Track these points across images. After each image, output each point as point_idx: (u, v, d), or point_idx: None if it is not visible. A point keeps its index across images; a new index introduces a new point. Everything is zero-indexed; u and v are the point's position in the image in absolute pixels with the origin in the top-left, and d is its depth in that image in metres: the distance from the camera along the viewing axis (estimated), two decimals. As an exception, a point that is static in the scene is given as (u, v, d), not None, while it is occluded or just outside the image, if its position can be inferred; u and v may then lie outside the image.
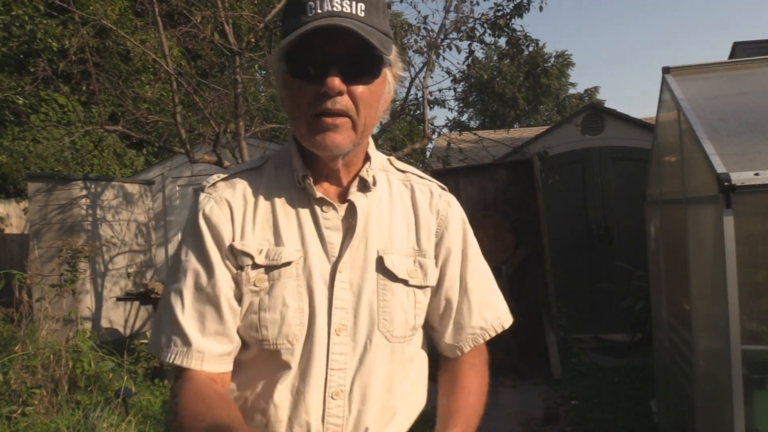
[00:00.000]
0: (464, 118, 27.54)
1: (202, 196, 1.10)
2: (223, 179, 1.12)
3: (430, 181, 1.26)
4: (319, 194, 1.11)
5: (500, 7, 6.19)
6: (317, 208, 1.11)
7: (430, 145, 9.85)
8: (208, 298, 1.04)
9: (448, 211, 1.22)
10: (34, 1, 9.47)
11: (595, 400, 5.40)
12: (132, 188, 9.43)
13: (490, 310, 1.23)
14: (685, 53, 55.27)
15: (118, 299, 8.48)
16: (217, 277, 1.05)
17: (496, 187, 7.21)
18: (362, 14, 1.02)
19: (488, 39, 6.37)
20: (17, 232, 10.35)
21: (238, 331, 1.07)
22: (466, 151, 7.46)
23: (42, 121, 9.80)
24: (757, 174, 2.49)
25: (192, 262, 1.06)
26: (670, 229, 3.91)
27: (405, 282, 1.13)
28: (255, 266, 1.06)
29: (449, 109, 28.85)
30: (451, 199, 1.25)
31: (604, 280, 7.59)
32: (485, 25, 6.24)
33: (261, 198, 1.11)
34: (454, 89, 8.53)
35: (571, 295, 7.33)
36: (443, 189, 1.26)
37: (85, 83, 6.00)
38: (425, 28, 6.12)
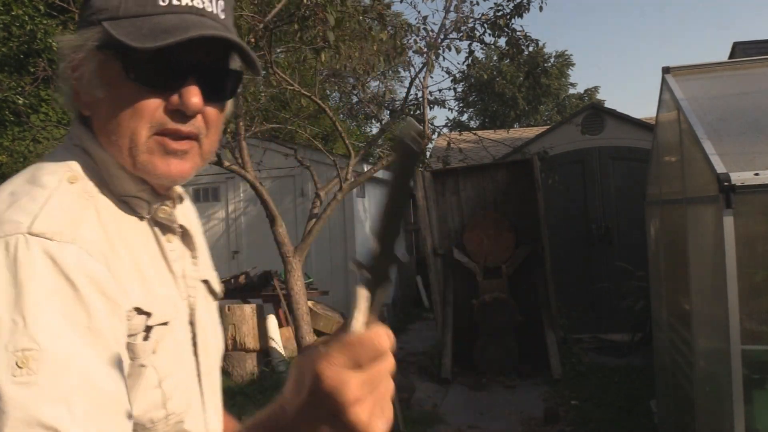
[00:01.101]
0: (464, 118, 27.57)
1: (53, 246, 0.71)
2: (62, 215, 0.75)
3: None
4: (176, 224, 0.90)
5: (500, 7, 6.19)
6: (162, 239, 0.89)
7: (430, 145, 9.85)
8: (110, 401, 0.69)
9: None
10: (34, 1, 9.47)
11: (595, 400, 5.40)
12: (132, 188, 9.41)
13: None
14: (685, 53, 55.33)
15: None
16: (120, 367, 0.73)
17: (496, 187, 7.21)
18: (223, 15, 0.83)
19: (488, 39, 6.37)
20: (17, 232, 10.34)
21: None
22: (466, 151, 7.46)
23: (42, 121, 9.79)
24: (757, 174, 2.49)
25: (76, 357, 0.68)
26: (670, 229, 3.91)
27: (218, 298, 1.02)
28: (147, 327, 0.79)
29: (449, 109, 28.86)
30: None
31: (604, 280, 7.59)
32: (485, 25, 6.24)
33: (111, 235, 0.80)
34: (454, 89, 8.55)
35: (571, 295, 7.33)
36: None
37: (85, 83, 6.00)
38: (425, 29, 6.13)
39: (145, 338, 0.79)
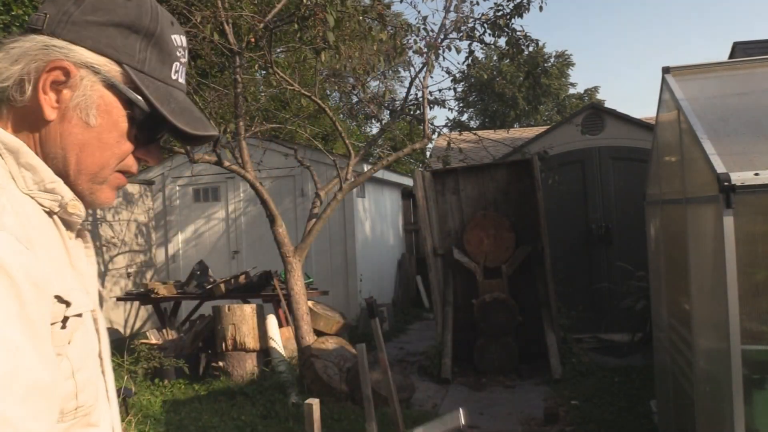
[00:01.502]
0: (464, 118, 27.56)
1: None
2: None
3: None
4: (79, 222, 0.92)
5: (500, 7, 6.20)
6: (65, 237, 0.90)
7: (430, 145, 9.86)
8: (44, 388, 0.72)
9: None
10: (34, 1, 9.48)
11: (595, 400, 5.39)
12: (132, 188, 9.43)
13: None
14: (685, 53, 55.29)
15: (118, 299, 8.47)
16: (51, 355, 0.76)
17: (496, 187, 7.21)
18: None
19: (488, 39, 6.38)
20: (17, 232, 10.35)
21: None
22: (466, 151, 7.46)
23: (42, 121, 9.81)
24: (757, 174, 2.49)
25: (9, 343, 0.68)
26: (670, 229, 3.91)
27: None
28: (64, 317, 0.80)
29: (449, 109, 28.87)
30: None
31: (604, 280, 7.59)
32: (485, 25, 6.24)
33: (25, 225, 0.80)
34: (454, 89, 8.55)
35: (571, 295, 7.33)
36: None
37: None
38: (425, 29, 6.14)
39: (62, 327, 0.80)
